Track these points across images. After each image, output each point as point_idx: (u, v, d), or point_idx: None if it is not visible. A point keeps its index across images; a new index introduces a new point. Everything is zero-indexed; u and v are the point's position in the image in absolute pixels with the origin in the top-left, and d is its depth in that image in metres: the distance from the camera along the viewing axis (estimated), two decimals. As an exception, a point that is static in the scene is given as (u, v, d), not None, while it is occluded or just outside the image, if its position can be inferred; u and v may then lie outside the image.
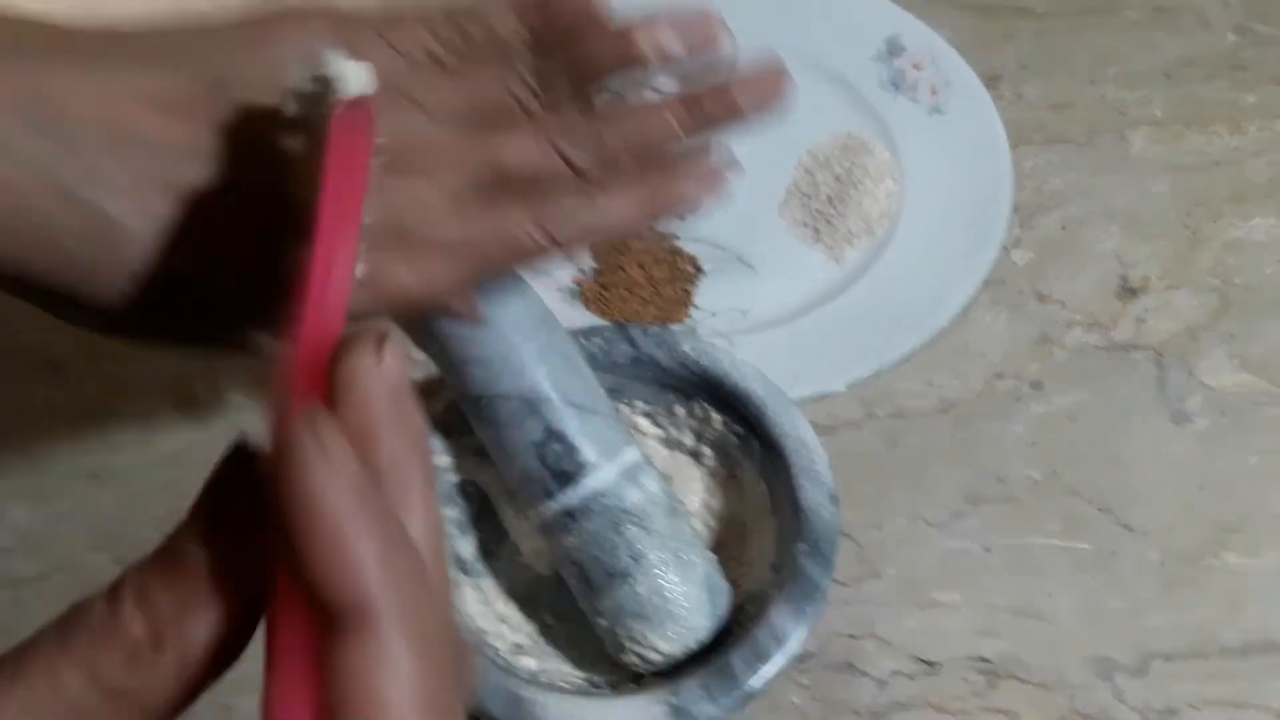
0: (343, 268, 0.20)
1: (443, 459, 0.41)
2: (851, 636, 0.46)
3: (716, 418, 0.43)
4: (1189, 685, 0.45)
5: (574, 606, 0.42)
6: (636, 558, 0.38)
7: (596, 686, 0.41)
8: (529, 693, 0.36)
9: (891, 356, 0.52)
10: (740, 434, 0.43)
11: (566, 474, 0.38)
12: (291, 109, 0.27)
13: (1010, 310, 0.54)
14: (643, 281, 0.54)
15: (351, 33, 0.29)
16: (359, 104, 0.25)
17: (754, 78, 0.32)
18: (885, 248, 0.56)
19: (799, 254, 0.56)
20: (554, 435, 0.38)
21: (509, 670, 0.38)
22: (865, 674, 0.46)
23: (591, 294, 0.53)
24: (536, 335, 0.38)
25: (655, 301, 0.53)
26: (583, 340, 0.42)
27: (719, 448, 0.44)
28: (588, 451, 0.38)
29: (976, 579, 0.48)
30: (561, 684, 0.40)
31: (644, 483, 0.39)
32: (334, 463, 0.17)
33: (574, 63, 0.31)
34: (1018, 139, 0.59)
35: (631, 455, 0.39)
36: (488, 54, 0.31)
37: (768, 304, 0.54)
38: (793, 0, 0.63)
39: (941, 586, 0.48)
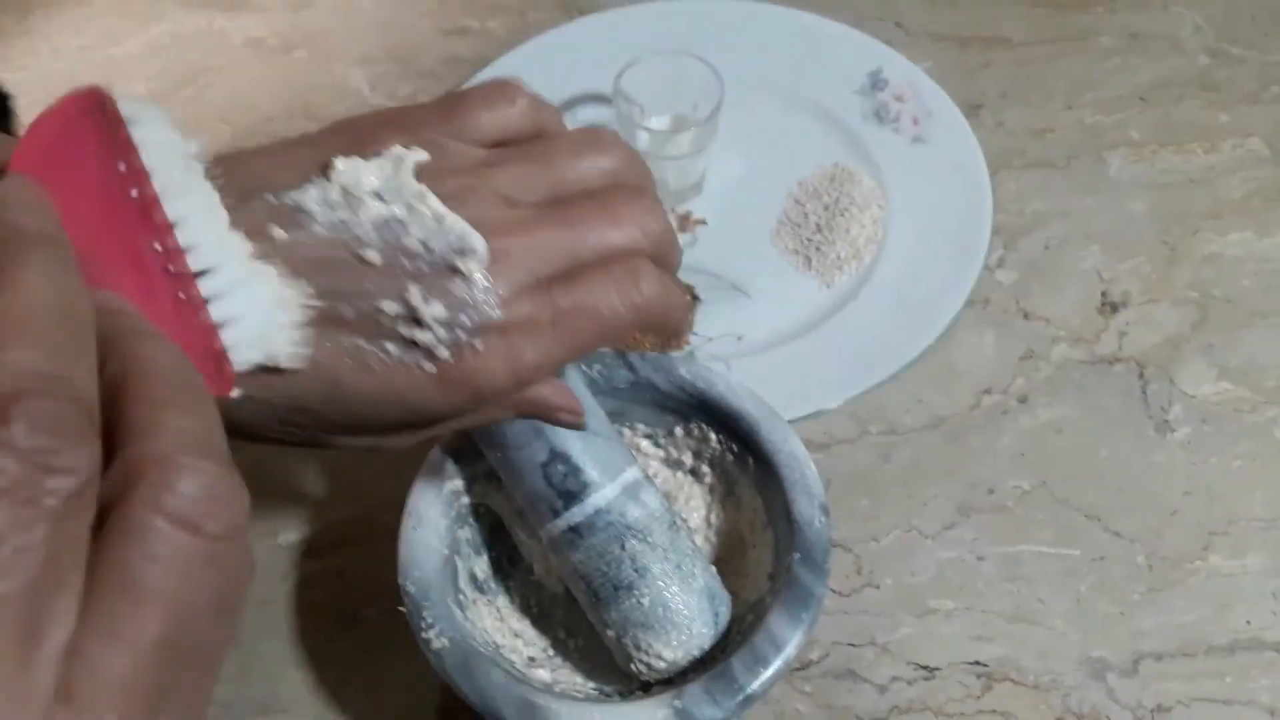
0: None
1: (456, 482, 0.43)
2: (852, 645, 0.47)
3: (714, 437, 0.45)
4: (1179, 684, 0.46)
5: (585, 621, 0.43)
6: (640, 571, 0.40)
7: (607, 696, 0.42)
8: (543, 700, 0.37)
9: (882, 375, 0.54)
10: (736, 451, 0.44)
11: (571, 493, 0.39)
12: None
13: (997, 328, 0.56)
14: None
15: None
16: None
17: None
18: (873, 272, 0.57)
19: (791, 280, 0.58)
20: (558, 456, 0.39)
21: (523, 681, 0.39)
22: (866, 681, 0.47)
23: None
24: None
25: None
26: (584, 367, 0.44)
27: (717, 466, 0.45)
28: (591, 471, 0.40)
29: (971, 587, 0.49)
30: (574, 693, 0.41)
31: (645, 499, 0.40)
32: None
33: None
34: (1000, 164, 0.61)
35: (632, 474, 0.41)
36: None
37: (762, 329, 0.56)
38: (780, 40, 0.66)
39: (937, 595, 0.49)
